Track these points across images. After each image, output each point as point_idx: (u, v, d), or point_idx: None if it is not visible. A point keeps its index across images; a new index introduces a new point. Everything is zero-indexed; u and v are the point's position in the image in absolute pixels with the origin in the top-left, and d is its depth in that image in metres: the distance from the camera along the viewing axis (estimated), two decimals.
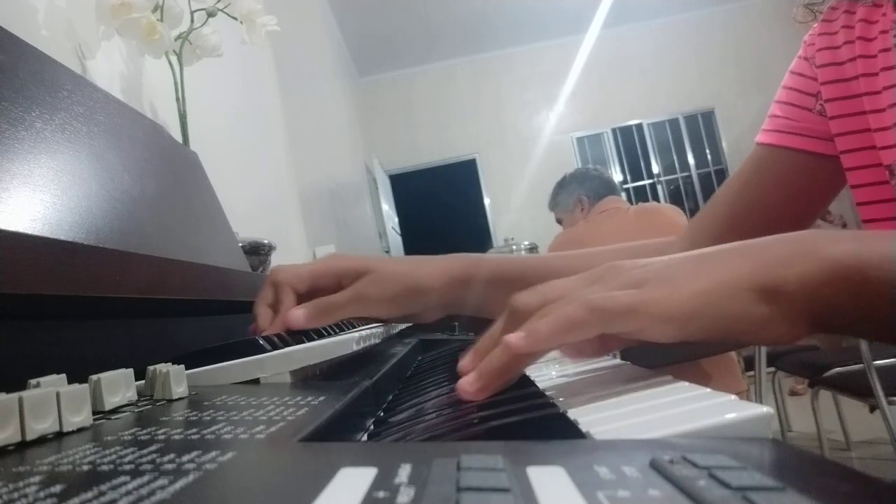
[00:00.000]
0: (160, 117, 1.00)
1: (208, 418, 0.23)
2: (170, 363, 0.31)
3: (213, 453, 0.17)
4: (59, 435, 0.22)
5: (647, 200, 5.16)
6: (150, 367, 0.31)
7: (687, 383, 0.27)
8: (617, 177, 5.28)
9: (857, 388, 1.77)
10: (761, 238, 0.31)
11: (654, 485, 0.14)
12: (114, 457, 0.17)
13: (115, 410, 0.26)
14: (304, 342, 0.39)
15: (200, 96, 1.14)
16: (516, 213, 5.33)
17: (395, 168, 5.35)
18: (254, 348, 0.36)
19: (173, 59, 0.90)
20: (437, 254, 0.54)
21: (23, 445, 0.20)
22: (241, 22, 0.94)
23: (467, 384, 0.28)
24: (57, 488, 0.15)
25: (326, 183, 2.80)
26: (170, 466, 0.16)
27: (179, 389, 0.29)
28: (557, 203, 2.06)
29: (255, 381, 0.34)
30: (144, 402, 0.28)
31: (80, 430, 0.22)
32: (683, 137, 5.38)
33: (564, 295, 0.30)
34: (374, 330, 0.45)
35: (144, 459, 0.17)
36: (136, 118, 0.65)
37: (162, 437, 0.20)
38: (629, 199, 5.10)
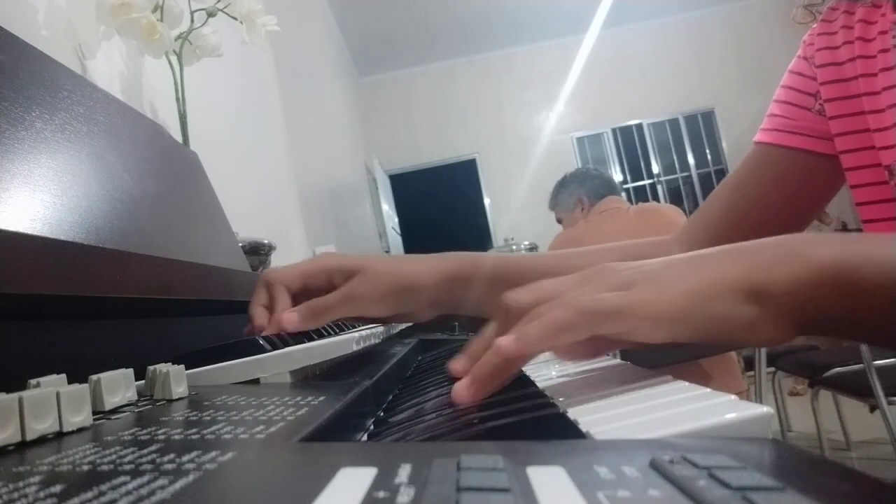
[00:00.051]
0: (160, 117, 1.00)
1: (208, 418, 0.23)
2: (170, 363, 0.31)
3: (213, 453, 0.17)
4: (59, 435, 0.22)
5: (647, 200, 5.16)
6: (150, 367, 0.31)
7: (687, 383, 0.27)
8: (617, 177, 5.28)
9: (857, 388, 1.77)
10: (753, 241, 0.31)
11: (654, 485, 0.14)
12: (114, 457, 0.17)
13: (115, 410, 0.26)
14: (303, 342, 0.39)
15: (200, 96, 1.14)
16: (516, 213, 5.33)
17: (395, 168, 5.35)
18: (254, 348, 0.36)
19: (173, 59, 0.90)
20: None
21: (23, 445, 0.20)
22: (241, 22, 0.94)
23: (461, 388, 0.29)
24: (57, 488, 0.15)
25: (326, 183, 2.80)
26: (170, 466, 0.16)
27: (179, 389, 0.29)
28: (558, 203, 2.06)
29: (255, 381, 0.34)
30: (144, 402, 0.28)
31: (80, 430, 0.22)
32: (683, 137, 5.38)
33: (555, 295, 0.30)
34: (373, 330, 0.45)
35: (144, 459, 0.17)
36: (136, 118, 0.65)
37: (162, 437, 0.20)
38: (629, 199, 5.10)
